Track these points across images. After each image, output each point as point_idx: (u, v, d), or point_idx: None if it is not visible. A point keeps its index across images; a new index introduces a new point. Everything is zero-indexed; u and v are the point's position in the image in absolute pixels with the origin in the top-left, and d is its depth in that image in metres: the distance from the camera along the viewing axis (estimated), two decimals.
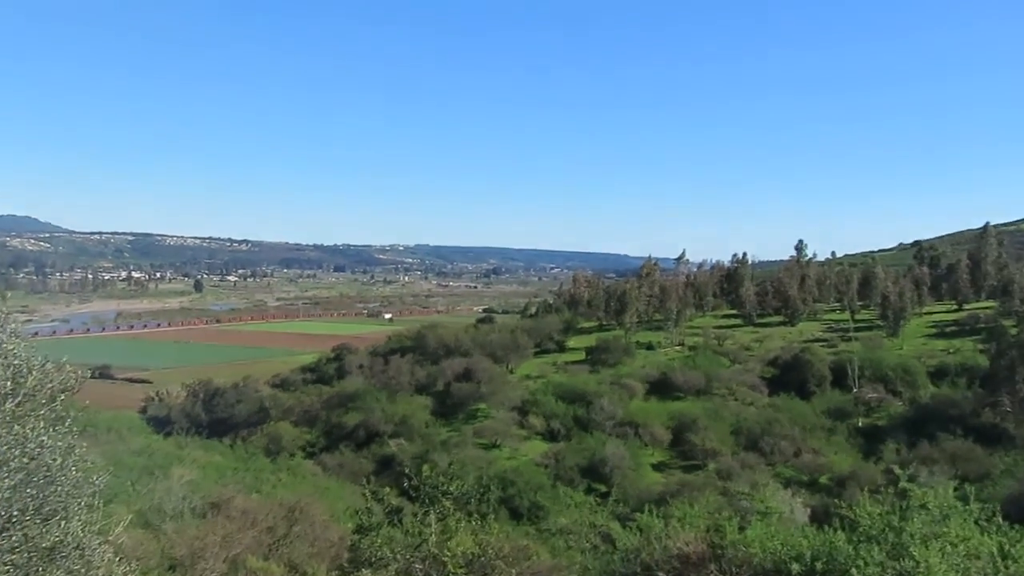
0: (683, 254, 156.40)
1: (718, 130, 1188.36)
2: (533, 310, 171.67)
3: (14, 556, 8.43)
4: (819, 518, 32.23)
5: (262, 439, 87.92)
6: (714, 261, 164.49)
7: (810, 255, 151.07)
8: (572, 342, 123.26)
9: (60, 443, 9.13)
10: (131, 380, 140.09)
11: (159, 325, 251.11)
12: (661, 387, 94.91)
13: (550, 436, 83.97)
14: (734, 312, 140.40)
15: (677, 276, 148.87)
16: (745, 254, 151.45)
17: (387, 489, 21.17)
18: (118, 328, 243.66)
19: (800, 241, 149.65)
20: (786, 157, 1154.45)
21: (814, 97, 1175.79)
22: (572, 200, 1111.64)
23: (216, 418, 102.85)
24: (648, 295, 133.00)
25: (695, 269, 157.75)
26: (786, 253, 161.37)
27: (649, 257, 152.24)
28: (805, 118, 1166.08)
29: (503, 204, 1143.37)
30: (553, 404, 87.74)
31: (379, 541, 18.95)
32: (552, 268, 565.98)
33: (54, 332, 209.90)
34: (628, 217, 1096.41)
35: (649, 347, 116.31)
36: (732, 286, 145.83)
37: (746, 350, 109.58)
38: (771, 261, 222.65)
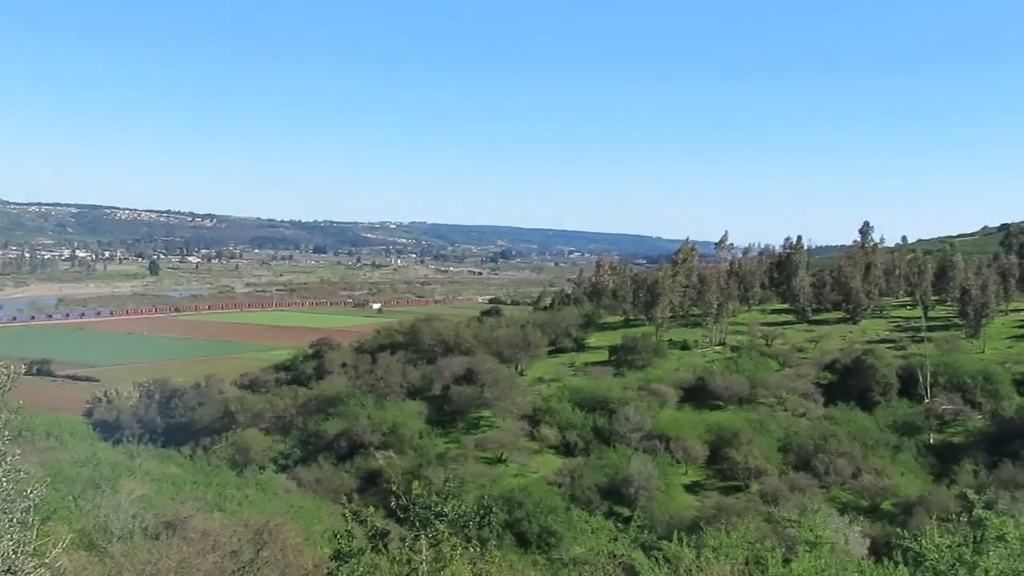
0: (725, 237, 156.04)
1: (767, 93, 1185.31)
2: (548, 301, 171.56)
3: None
4: (879, 550, 32.29)
5: (227, 449, 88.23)
6: (762, 246, 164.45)
7: (877, 240, 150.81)
8: (593, 340, 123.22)
9: None
10: (74, 378, 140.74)
11: (108, 313, 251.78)
12: (697, 394, 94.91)
13: (565, 450, 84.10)
14: (785, 306, 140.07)
15: (718, 263, 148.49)
16: (799, 238, 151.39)
17: (371, 509, 21.28)
18: (60, 316, 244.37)
19: (866, 223, 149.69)
20: (848, 126, 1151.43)
21: (883, 62, 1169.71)
22: (595, 173, 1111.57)
23: (173, 423, 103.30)
24: (684, 285, 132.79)
25: (739, 255, 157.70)
26: (848, 237, 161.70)
27: (686, 240, 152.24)
28: (871, 84, 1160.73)
29: (514, 176, 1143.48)
30: (569, 412, 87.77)
31: (360, 570, 19.06)
32: (571, 252, 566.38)
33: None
34: (661, 193, 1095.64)
35: (684, 347, 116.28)
36: (783, 276, 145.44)
37: (798, 352, 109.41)
38: (830, 246, 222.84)
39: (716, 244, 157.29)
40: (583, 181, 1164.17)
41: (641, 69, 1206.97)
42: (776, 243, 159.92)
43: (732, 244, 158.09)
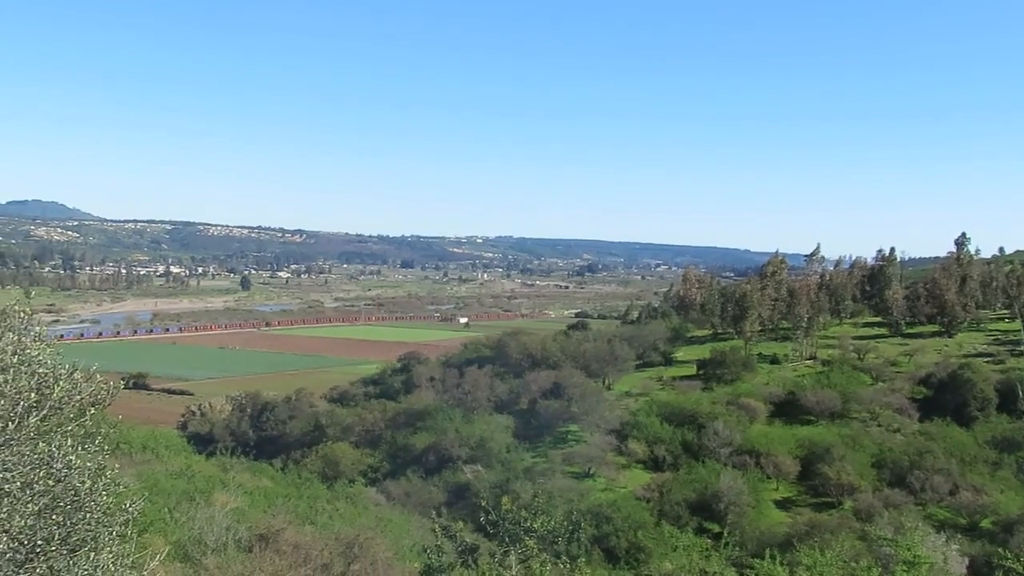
0: (817, 249, 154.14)
1: (863, 103, 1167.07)
2: (635, 315, 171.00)
3: None
4: (979, 570, 31.49)
5: (317, 462, 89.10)
6: (854, 258, 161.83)
7: (973, 251, 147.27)
8: (681, 353, 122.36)
9: (90, 463, 9.35)
10: (169, 391, 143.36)
11: (201, 328, 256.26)
12: (788, 409, 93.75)
13: (653, 465, 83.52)
14: (878, 320, 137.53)
15: (809, 276, 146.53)
16: (892, 250, 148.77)
17: (460, 524, 21.36)
18: (155, 331, 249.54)
19: (962, 234, 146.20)
20: (943, 135, 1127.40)
21: (985, 65, 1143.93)
22: (682, 185, 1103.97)
23: (265, 436, 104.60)
24: (773, 298, 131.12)
25: (831, 267, 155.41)
26: (943, 249, 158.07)
27: (775, 253, 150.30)
28: (971, 94, 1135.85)
29: (599, 189, 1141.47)
30: (657, 427, 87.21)
31: None
32: (658, 265, 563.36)
33: (83, 335, 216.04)
34: (750, 205, 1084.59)
35: (774, 360, 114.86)
36: (876, 288, 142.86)
37: (892, 366, 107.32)
38: (925, 258, 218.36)
39: (807, 256, 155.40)
40: (669, 194, 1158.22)
41: (734, 78, 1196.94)
42: (868, 255, 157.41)
43: (823, 257, 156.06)
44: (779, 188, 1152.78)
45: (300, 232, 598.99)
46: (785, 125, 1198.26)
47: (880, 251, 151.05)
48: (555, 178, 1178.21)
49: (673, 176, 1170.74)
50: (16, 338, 9.32)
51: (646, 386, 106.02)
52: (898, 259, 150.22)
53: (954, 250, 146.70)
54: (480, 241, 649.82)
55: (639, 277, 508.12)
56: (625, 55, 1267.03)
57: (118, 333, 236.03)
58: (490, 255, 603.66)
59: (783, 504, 76.95)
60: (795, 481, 79.93)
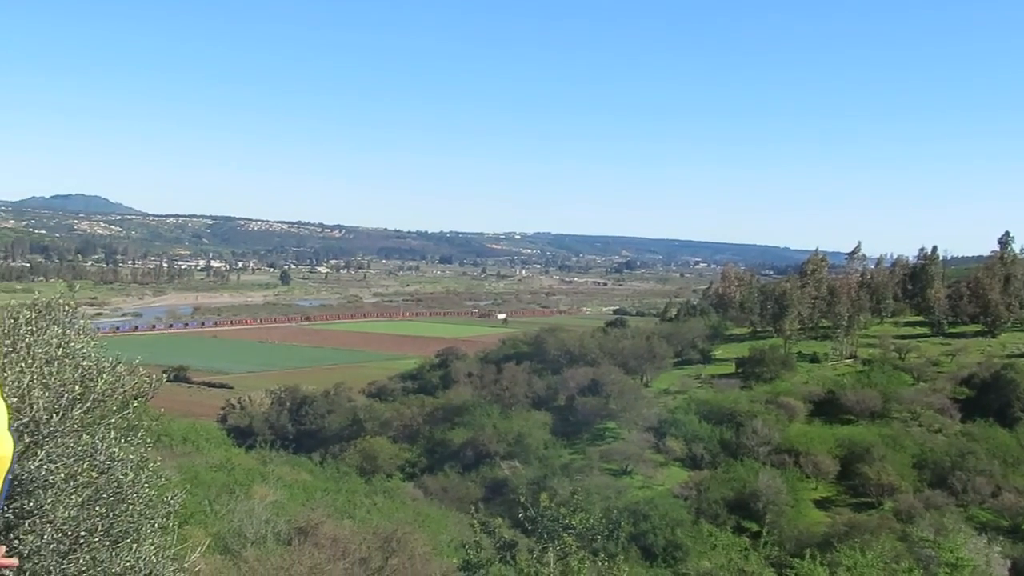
0: (858, 247, 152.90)
1: (905, 98, 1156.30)
2: (673, 312, 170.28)
3: None
4: (1022, 573, 31.06)
5: (355, 456, 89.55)
6: (895, 256, 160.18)
7: (1017, 250, 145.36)
8: (720, 351, 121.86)
9: (132, 456, 9.43)
10: (209, 384, 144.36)
11: (240, 322, 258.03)
12: (827, 408, 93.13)
13: (692, 463, 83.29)
14: (919, 319, 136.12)
15: (849, 274, 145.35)
16: (935, 248, 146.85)
17: (498, 520, 21.36)
18: (195, 324, 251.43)
19: (1005, 233, 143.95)
20: (985, 131, 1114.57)
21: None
22: (721, 182, 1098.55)
23: (304, 430, 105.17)
24: (813, 296, 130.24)
25: (872, 266, 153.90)
26: (986, 248, 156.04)
27: (815, 251, 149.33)
28: (1018, 89, 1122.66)
29: (639, 186, 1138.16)
30: (696, 425, 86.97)
31: None
32: (697, 262, 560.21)
33: (125, 328, 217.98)
34: (790, 202, 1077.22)
35: (813, 359, 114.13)
36: (918, 287, 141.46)
37: (934, 365, 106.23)
38: (967, 257, 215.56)
39: (847, 255, 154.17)
40: (709, 191, 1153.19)
41: (774, 73, 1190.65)
42: (910, 254, 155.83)
43: (864, 255, 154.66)
44: (819, 185, 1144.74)
45: (339, 227, 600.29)
46: (825, 121, 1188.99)
47: (922, 250, 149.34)
48: (594, 174, 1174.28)
49: (713, 173, 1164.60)
50: (60, 331, 9.40)
51: (684, 384, 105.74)
52: (940, 258, 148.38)
53: (997, 249, 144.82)
54: (518, 237, 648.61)
55: (678, 274, 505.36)
56: (665, 50, 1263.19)
57: (160, 326, 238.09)
58: (528, 251, 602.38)
59: (822, 504, 76.56)
60: (834, 481, 79.50)
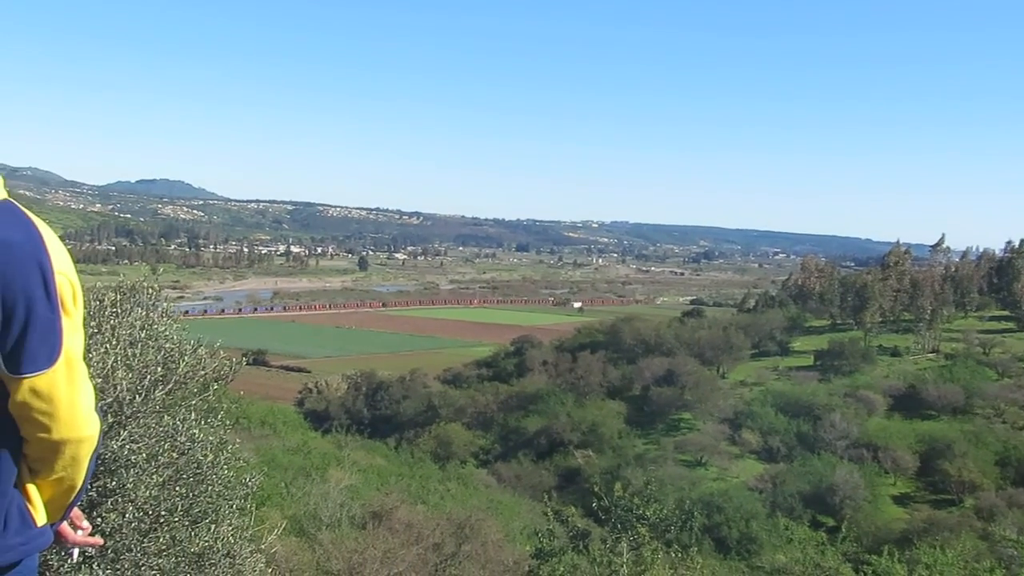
0: (942, 239, 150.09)
1: (990, 84, 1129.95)
2: (751, 303, 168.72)
3: (161, 560, 8.92)
4: None
5: (430, 442, 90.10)
6: (981, 249, 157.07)
7: None
8: (798, 343, 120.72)
9: (212, 438, 9.58)
10: (287, 368, 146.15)
11: (319, 307, 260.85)
12: (908, 402, 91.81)
13: (767, 455, 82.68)
14: (1005, 313, 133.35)
15: (933, 267, 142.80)
16: (1023, 241, 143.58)
17: (571, 508, 21.34)
18: (274, 309, 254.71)
19: None
20: None
21: None
22: (802, 170, 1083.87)
23: (379, 415, 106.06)
24: (895, 289, 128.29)
25: (956, 259, 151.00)
26: None
27: (897, 242, 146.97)
28: None
29: (716, 175, 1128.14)
30: (772, 417, 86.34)
31: (561, 569, 19.08)
32: (776, 253, 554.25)
33: (206, 311, 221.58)
34: (872, 192, 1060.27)
35: (894, 353, 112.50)
36: (1004, 281, 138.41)
37: (1020, 361, 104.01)
38: None
39: (931, 247, 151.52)
40: (789, 180, 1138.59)
41: (854, 58, 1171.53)
42: (996, 246, 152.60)
43: (949, 247, 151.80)
44: (903, 175, 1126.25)
45: (417, 214, 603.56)
46: (909, 107, 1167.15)
47: (1009, 242, 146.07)
48: (672, 163, 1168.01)
49: (793, 162, 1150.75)
50: (144, 313, 9.56)
51: (761, 375, 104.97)
52: None
53: None
54: (595, 226, 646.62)
55: (756, 265, 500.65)
56: (740, 35, 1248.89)
57: (240, 310, 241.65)
58: (605, 240, 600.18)
59: (900, 500, 75.56)
60: (913, 477, 78.43)
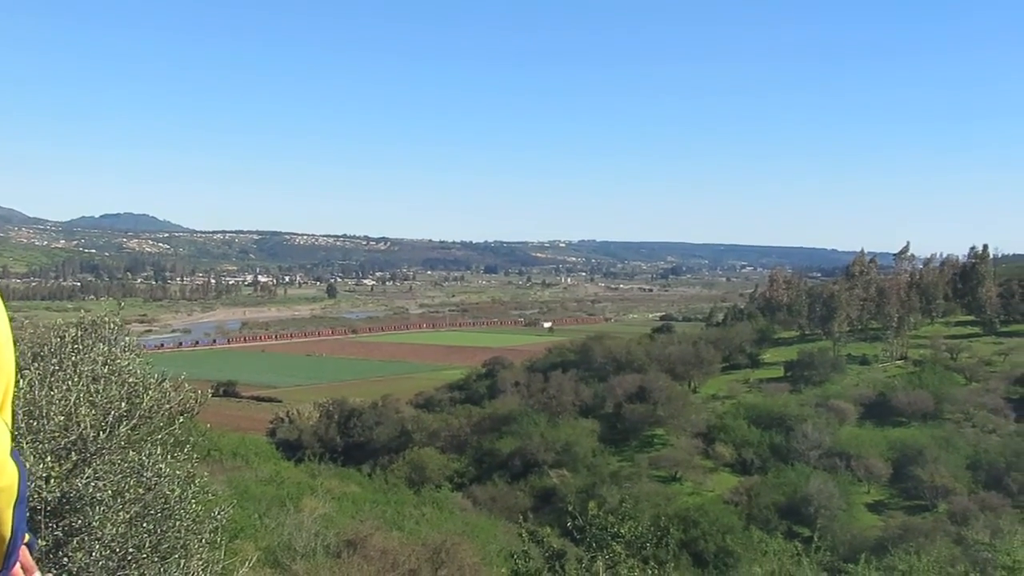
0: (906, 247, 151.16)
1: (950, 99, 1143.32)
2: (720, 317, 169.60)
3: None
4: None
5: (404, 467, 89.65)
6: (944, 256, 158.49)
7: None
8: (768, 355, 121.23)
9: (179, 471, 9.51)
10: (258, 399, 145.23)
11: (288, 336, 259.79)
12: (878, 410, 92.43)
13: (741, 468, 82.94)
14: (971, 319, 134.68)
15: (898, 274, 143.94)
16: (985, 247, 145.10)
17: (547, 529, 21.26)
18: (243, 340, 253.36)
19: None
20: None
21: None
22: (765, 185, 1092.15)
23: (352, 442, 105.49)
24: (862, 298, 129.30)
25: (920, 266, 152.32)
26: None
27: (862, 251, 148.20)
28: None
29: (682, 191, 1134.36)
30: (745, 430, 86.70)
31: None
32: (743, 266, 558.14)
33: (176, 344, 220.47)
34: (836, 202, 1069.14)
35: (863, 361, 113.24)
36: (968, 286, 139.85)
37: (987, 365, 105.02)
38: (1019, 255, 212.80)
39: (895, 255, 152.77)
40: (754, 194, 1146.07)
41: (819, 73, 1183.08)
42: (960, 253, 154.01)
43: (913, 255, 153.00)
44: (865, 184, 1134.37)
45: (384, 240, 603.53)
46: (871, 122, 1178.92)
47: (973, 248, 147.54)
48: (637, 180, 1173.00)
49: (758, 176, 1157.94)
50: (107, 349, 9.51)
51: (733, 389, 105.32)
52: (991, 256, 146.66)
53: None
54: (563, 245, 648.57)
55: (724, 279, 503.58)
56: (701, 45, 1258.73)
57: (210, 342, 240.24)
58: (573, 259, 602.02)
59: (875, 507, 75.95)
60: (887, 484, 78.88)
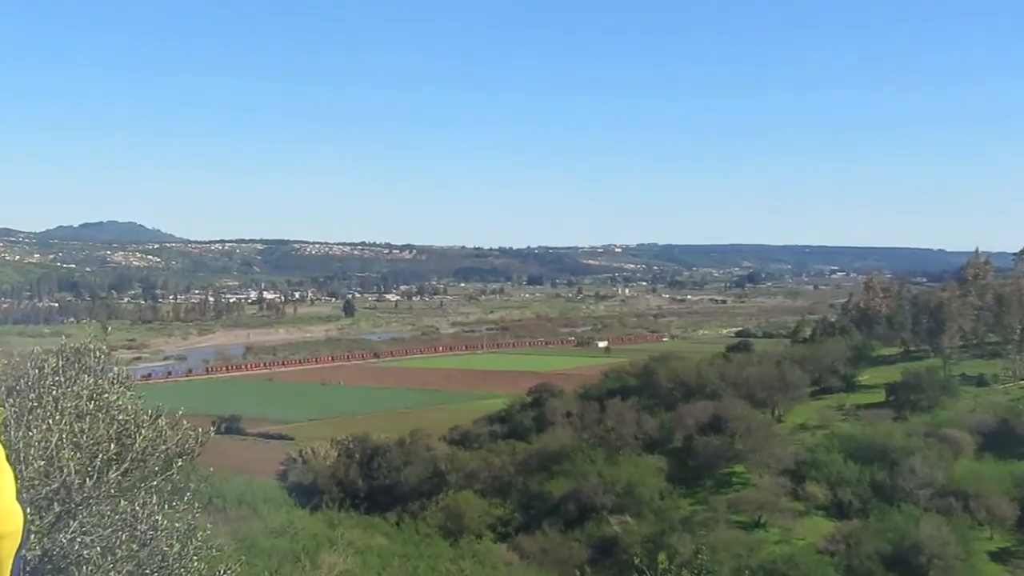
0: None
1: None
2: (807, 332, 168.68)
3: None
4: None
5: (437, 514, 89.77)
6: None
7: None
8: (866, 377, 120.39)
9: (178, 524, 9.50)
10: (266, 436, 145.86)
11: (300, 361, 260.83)
12: (1001, 440, 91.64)
13: (838, 511, 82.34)
14: None
15: (1019, 278, 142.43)
16: None
17: None
18: (248, 367, 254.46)
19: None
20: None
21: None
22: (857, 175, 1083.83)
23: (377, 486, 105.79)
24: (976, 307, 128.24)
25: None
26: None
27: (976, 252, 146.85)
28: None
29: (758, 184, 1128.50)
30: (841, 465, 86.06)
31: None
32: (832, 271, 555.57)
33: (169, 373, 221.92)
34: (943, 196, 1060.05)
35: (980, 382, 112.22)
36: None
37: None
38: None
39: (1016, 255, 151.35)
40: (843, 186, 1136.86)
41: (911, 57, 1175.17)
42: None
43: None
44: (979, 174, 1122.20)
45: (409, 247, 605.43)
46: (986, 96, 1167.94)
47: None
48: (706, 173, 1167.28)
49: (848, 166, 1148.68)
50: (92, 381, 9.51)
51: (825, 416, 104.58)
52: None
53: None
54: (619, 251, 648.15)
55: (811, 287, 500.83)
56: (764, 32, 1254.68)
57: (209, 370, 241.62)
58: (632, 266, 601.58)
59: (999, 556, 75.24)
60: (1013, 528, 78.04)
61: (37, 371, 9.34)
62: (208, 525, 10.16)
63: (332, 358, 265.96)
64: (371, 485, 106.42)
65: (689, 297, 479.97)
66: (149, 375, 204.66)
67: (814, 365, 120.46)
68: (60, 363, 9.57)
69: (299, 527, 61.79)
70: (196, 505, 10.06)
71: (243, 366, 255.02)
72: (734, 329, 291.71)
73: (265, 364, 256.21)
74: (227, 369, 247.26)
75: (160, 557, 9.21)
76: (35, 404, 8.87)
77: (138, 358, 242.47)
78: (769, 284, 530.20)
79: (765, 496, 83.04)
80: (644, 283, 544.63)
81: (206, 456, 10.94)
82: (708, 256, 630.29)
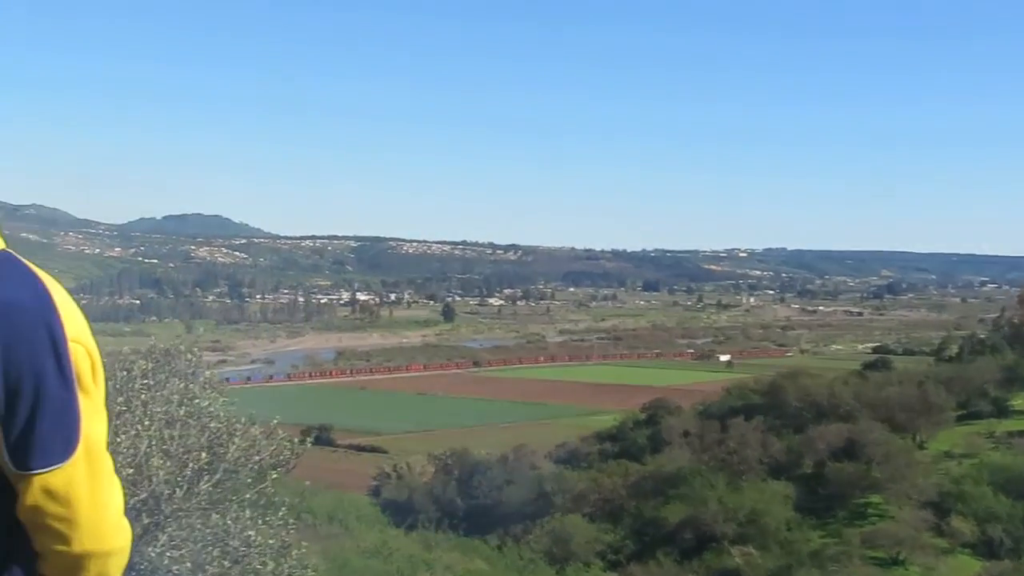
0: None
1: None
2: (954, 349, 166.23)
3: None
4: None
5: (543, 539, 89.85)
6: None
7: None
8: (1019, 401, 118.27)
9: (271, 540, 9.54)
10: (358, 448, 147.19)
11: (394, 369, 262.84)
12: None
13: (987, 550, 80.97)
14: None
15: None
16: None
17: None
18: (339, 373, 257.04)
19: None
20: None
21: None
22: (1012, 174, 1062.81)
23: (476, 505, 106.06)
24: None
25: None
26: None
27: None
28: None
29: (899, 184, 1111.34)
30: (991, 499, 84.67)
31: None
32: (983, 282, 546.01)
33: (248, 378, 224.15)
34: None
35: None
36: None
37: None
38: None
39: None
40: (996, 187, 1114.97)
41: None
42: None
43: None
44: None
45: (514, 248, 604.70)
46: None
47: None
48: (841, 171, 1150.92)
49: (1001, 164, 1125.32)
50: (183, 385, 9.58)
51: (972, 444, 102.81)
52: None
53: None
54: (744, 255, 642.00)
55: (958, 299, 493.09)
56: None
57: (298, 375, 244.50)
58: (757, 273, 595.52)
59: None
60: None
61: (125, 373, 9.42)
62: (303, 545, 10.19)
63: (428, 366, 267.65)
64: (470, 504, 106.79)
65: (821, 308, 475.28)
66: (227, 379, 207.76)
67: (961, 387, 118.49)
68: (149, 366, 9.65)
69: (393, 548, 62.27)
70: (290, 521, 10.08)
71: (330, 372, 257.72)
72: (871, 345, 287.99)
73: (357, 371, 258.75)
74: (311, 376, 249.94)
75: (252, 575, 9.24)
76: (123, 408, 8.96)
77: (223, 361, 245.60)
78: (911, 296, 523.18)
79: (905, 530, 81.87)
80: (771, 292, 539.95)
81: (298, 468, 10.98)
82: (843, 263, 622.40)
